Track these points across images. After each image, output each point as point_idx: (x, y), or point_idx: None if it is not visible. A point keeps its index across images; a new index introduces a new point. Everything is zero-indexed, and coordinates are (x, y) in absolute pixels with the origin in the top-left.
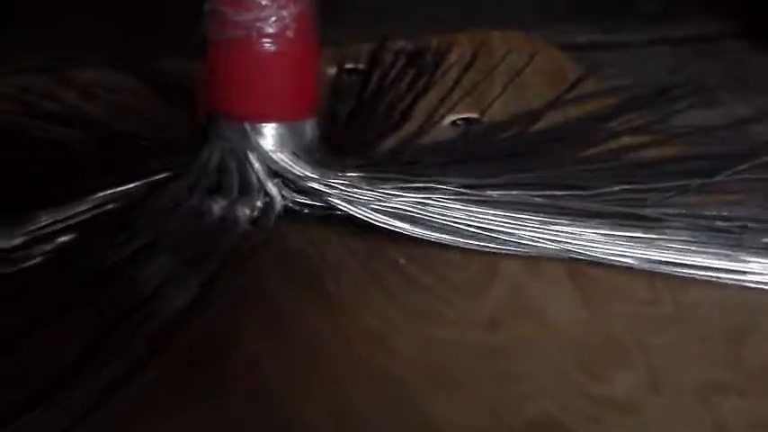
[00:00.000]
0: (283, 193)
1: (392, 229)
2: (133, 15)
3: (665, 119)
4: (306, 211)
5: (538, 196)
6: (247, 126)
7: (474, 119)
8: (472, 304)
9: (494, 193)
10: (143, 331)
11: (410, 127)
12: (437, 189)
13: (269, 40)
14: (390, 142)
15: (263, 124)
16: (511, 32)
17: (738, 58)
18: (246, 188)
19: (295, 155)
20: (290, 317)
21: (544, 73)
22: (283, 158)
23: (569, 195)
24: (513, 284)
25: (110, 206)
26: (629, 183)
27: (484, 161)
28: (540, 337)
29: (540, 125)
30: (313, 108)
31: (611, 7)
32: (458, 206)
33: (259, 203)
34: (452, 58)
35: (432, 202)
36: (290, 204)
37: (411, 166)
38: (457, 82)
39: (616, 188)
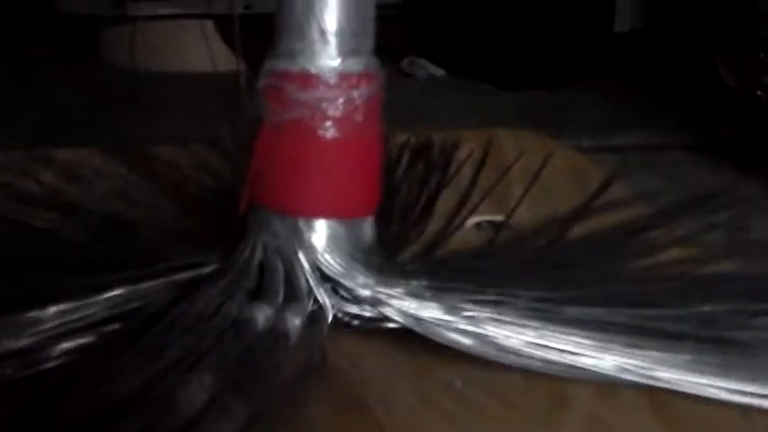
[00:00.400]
0: (332, 301)
1: (453, 346)
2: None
3: (708, 230)
4: (355, 323)
5: (619, 315)
6: (300, 221)
7: (500, 222)
8: None
9: (571, 310)
10: None
11: (432, 228)
12: (509, 303)
13: (334, 125)
14: (416, 246)
15: (318, 220)
16: (518, 131)
17: (681, 168)
18: (294, 294)
19: (351, 258)
20: None
21: (565, 173)
22: (339, 261)
23: (652, 316)
24: (588, 416)
25: (131, 305)
26: (708, 302)
27: (536, 272)
28: None
29: (576, 232)
30: (374, 205)
31: (555, 115)
32: (531, 323)
33: (307, 312)
34: (461, 154)
35: (503, 318)
36: (339, 315)
37: (473, 274)
38: (473, 181)
39: (705, 308)
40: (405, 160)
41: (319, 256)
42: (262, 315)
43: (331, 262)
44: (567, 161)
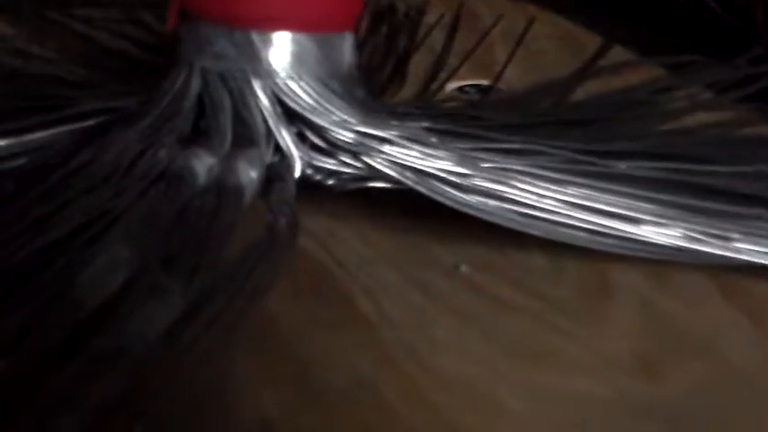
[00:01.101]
0: (300, 149)
1: (467, 211)
2: None
3: (734, 92)
4: (330, 182)
5: (677, 172)
6: (254, 35)
7: (486, 86)
8: (598, 335)
9: (621, 165)
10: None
11: (406, 93)
12: (541, 153)
13: None
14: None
15: (278, 33)
16: None
17: None
18: (246, 137)
19: (325, 87)
20: (319, 360)
21: (554, 38)
22: (308, 90)
23: (716, 173)
24: (642, 305)
25: (15, 161)
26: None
27: (555, 126)
28: (726, 384)
29: (579, 95)
30: (355, 17)
31: None
32: (573, 179)
33: (266, 162)
34: (429, 19)
35: (535, 171)
36: (308, 170)
37: (483, 122)
38: (447, 45)
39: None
40: (363, 25)
41: (281, 84)
42: (201, 165)
43: (298, 92)
44: (555, 26)
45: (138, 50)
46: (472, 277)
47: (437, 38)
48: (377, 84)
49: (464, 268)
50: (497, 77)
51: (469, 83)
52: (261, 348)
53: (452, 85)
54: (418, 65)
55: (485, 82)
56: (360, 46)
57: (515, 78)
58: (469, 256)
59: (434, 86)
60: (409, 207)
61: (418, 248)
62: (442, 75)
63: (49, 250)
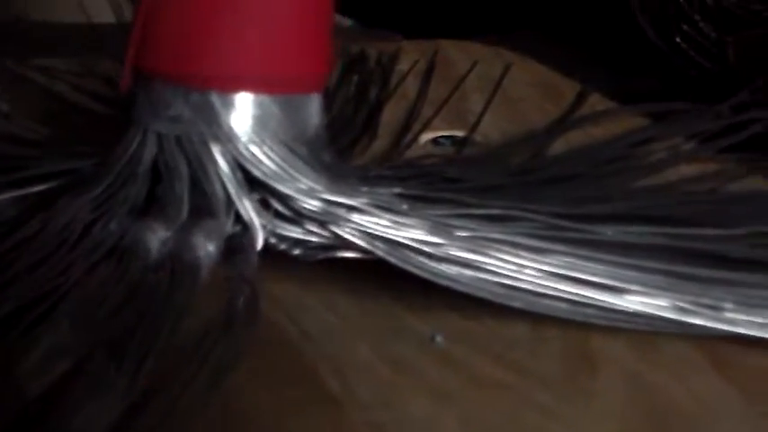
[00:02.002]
0: (262, 218)
1: (441, 283)
2: None
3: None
4: (296, 251)
5: (663, 236)
6: (213, 96)
7: (461, 137)
8: (582, 414)
9: (606, 230)
10: None
11: (378, 145)
12: (520, 220)
13: None
14: (361, 162)
15: (240, 94)
16: (466, 41)
17: None
18: (205, 208)
19: (290, 152)
20: None
21: (532, 85)
22: (272, 156)
23: (704, 237)
24: (628, 378)
25: None
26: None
27: (533, 185)
28: None
29: (559, 146)
30: (324, 77)
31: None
32: (555, 247)
33: (226, 234)
34: (402, 66)
35: (515, 240)
36: (272, 239)
37: (458, 184)
38: (421, 94)
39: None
40: (335, 73)
41: (243, 149)
42: (155, 239)
43: (260, 157)
44: (531, 72)
45: (97, 105)
46: (448, 350)
47: (411, 85)
48: (348, 137)
49: (439, 339)
50: (473, 128)
51: (444, 134)
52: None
53: (427, 137)
54: (391, 114)
55: (459, 133)
56: (330, 95)
57: (491, 128)
58: (445, 325)
59: (408, 138)
60: (381, 271)
61: (390, 317)
62: (416, 126)
63: None
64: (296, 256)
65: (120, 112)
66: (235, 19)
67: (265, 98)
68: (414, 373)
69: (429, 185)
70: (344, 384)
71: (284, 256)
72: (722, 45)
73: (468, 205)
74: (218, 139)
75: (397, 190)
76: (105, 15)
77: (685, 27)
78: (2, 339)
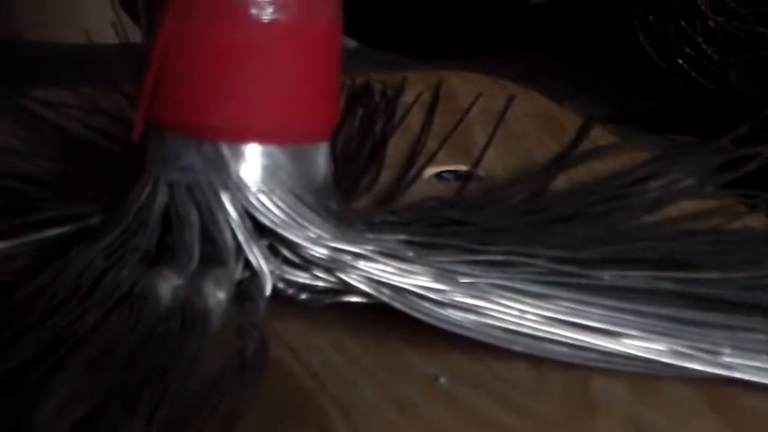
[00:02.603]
0: (271, 265)
1: (446, 327)
2: None
3: (720, 178)
4: (303, 296)
5: (664, 280)
6: (223, 147)
7: (465, 172)
8: None
9: (606, 275)
10: None
11: (383, 180)
12: (523, 265)
13: (269, 7)
14: (367, 199)
15: (249, 145)
16: (470, 73)
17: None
18: (215, 255)
19: (298, 201)
20: None
21: (534, 117)
22: (281, 205)
23: (703, 281)
24: (627, 421)
25: None
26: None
27: (536, 226)
28: None
29: (562, 183)
30: (331, 126)
31: None
32: (556, 293)
33: (236, 280)
34: (407, 98)
35: (517, 286)
36: (280, 284)
37: (461, 228)
38: (425, 127)
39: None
40: (340, 105)
41: (252, 198)
42: (167, 286)
43: (269, 206)
44: (533, 105)
45: (107, 143)
46: (452, 391)
47: (415, 117)
48: (353, 172)
49: (443, 380)
50: (476, 163)
51: (448, 168)
52: None
53: (431, 171)
54: (396, 147)
55: (463, 167)
56: (335, 129)
57: (494, 162)
58: (449, 366)
59: (412, 173)
60: (387, 314)
61: (395, 358)
62: (420, 160)
63: (6, 381)
64: (303, 301)
65: (128, 152)
66: (244, 73)
67: (274, 149)
68: (418, 414)
69: (433, 230)
70: (351, 426)
71: (292, 300)
72: (725, 67)
73: (472, 251)
74: (228, 189)
75: (402, 237)
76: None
77: (687, 49)
78: (17, 388)
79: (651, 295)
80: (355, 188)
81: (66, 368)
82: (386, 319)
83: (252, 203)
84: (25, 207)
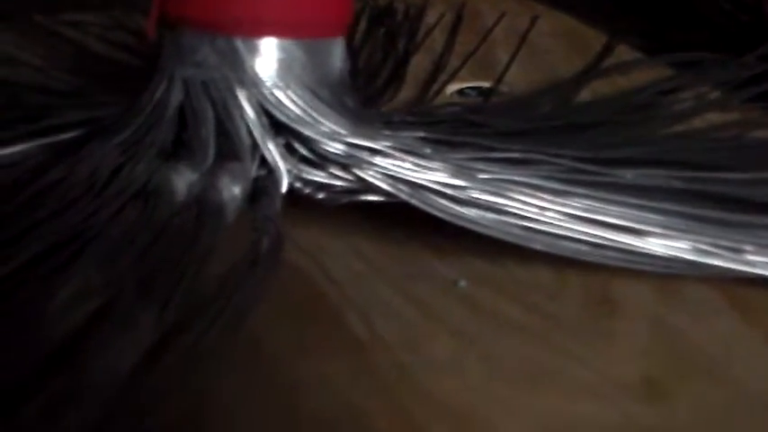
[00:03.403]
0: (287, 162)
1: (463, 225)
2: None
3: (742, 92)
4: (320, 195)
5: (686, 180)
6: (238, 42)
7: (488, 88)
8: (604, 356)
9: (628, 173)
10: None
11: (404, 95)
12: (542, 163)
13: None
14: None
15: (264, 39)
16: None
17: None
18: (230, 151)
19: (314, 96)
20: (308, 388)
21: (559, 36)
22: (297, 100)
23: (726, 180)
24: (650, 321)
25: None
26: None
27: (558, 131)
28: (738, 407)
29: (585, 96)
30: (346, 21)
31: None
32: (576, 190)
33: (251, 177)
34: (430, 19)
35: (535, 182)
36: (297, 184)
37: (481, 129)
38: (448, 46)
39: None
40: (362, 26)
41: (267, 94)
42: (182, 181)
43: (285, 102)
44: (558, 23)
45: (126, 56)
46: (471, 293)
47: (438, 38)
48: (375, 87)
49: (462, 283)
50: (499, 79)
51: (470, 85)
52: (245, 374)
53: (453, 87)
54: (418, 66)
55: (486, 84)
56: (358, 47)
57: (518, 79)
58: (468, 270)
59: (434, 89)
60: (405, 217)
61: (414, 262)
62: (442, 76)
63: (17, 275)
64: (320, 200)
65: (147, 61)
66: None
67: (289, 43)
68: (437, 316)
69: (452, 130)
70: (369, 326)
71: (309, 201)
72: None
73: (491, 149)
74: (243, 84)
75: (421, 134)
76: None
77: None
78: (31, 280)
79: (674, 194)
80: (376, 102)
81: (80, 260)
82: (406, 224)
83: (267, 99)
84: (43, 114)
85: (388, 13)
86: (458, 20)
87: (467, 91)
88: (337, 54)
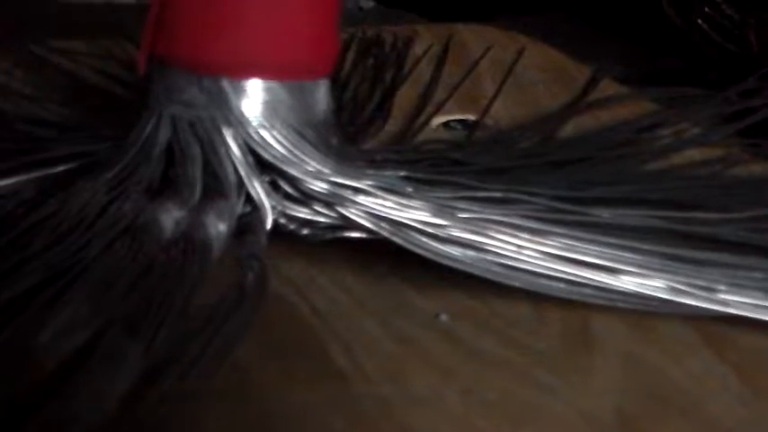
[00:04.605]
0: (272, 199)
1: (443, 262)
2: None
3: (724, 128)
4: (304, 231)
5: (662, 219)
6: (224, 83)
7: (473, 121)
8: (581, 392)
9: (604, 213)
10: None
11: (391, 127)
12: (521, 202)
13: None
14: (373, 144)
15: (251, 80)
16: (481, 26)
17: None
18: (216, 189)
19: (299, 136)
20: (292, 418)
21: (544, 70)
22: (281, 140)
23: (702, 220)
24: (624, 357)
25: None
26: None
27: (538, 169)
28: None
29: (570, 131)
30: (332, 61)
31: None
32: (554, 229)
33: (237, 214)
34: (417, 50)
35: (514, 222)
36: (281, 220)
37: (463, 167)
38: (435, 77)
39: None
40: (351, 56)
41: (253, 133)
42: (169, 219)
43: (270, 141)
44: (544, 56)
45: (116, 87)
46: (452, 327)
47: (425, 69)
48: (362, 119)
49: (443, 317)
50: (484, 112)
51: (456, 117)
52: (232, 403)
53: (438, 120)
54: (405, 97)
55: (471, 117)
56: (345, 78)
57: (502, 112)
58: (449, 304)
59: (420, 122)
60: (387, 252)
61: (397, 296)
62: (429, 109)
63: (9, 308)
64: (304, 236)
65: (136, 94)
66: (245, 9)
67: (275, 84)
68: (418, 349)
69: (434, 169)
70: (351, 359)
71: (293, 236)
72: (744, 27)
73: (471, 188)
74: (229, 124)
75: (403, 173)
76: None
77: (706, 8)
78: (20, 314)
79: (650, 233)
80: (362, 135)
81: (69, 294)
82: (388, 259)
83: (253, 138)
84: (34, 147)
85: (376, 44)
86: (444, 51)
87: (452, 124)
88: (322, 94)
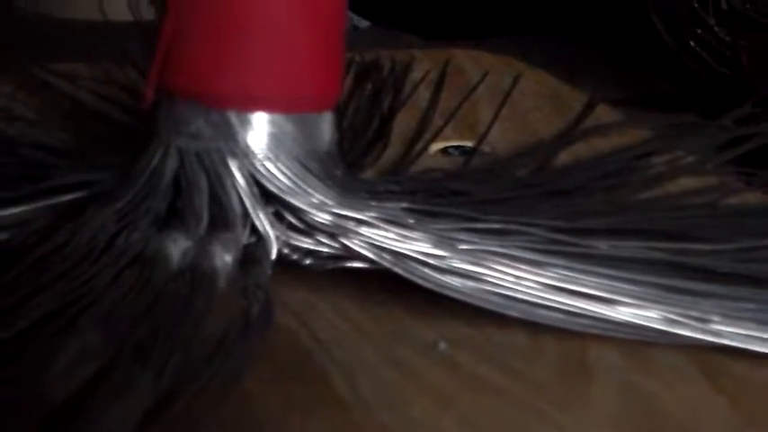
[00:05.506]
0: (276, 230)
1: (443, 293)
2: None
3: (720, 157)
4: (307, 261)
5: (657, 250)
6: (231, 115)
7: (471, 148)
8: (577, 421)
9: (601, 244)
10: None
11: (389, 154)
12: (520, 234)
13: None
14: (373, 172)
15: (256, 113)
16: (478, 51)
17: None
18: (222, 219)
19: (304, 168)
20: None
21: (539, 95)
22: (286, 172)
23: (696, 251)
24: (620, 386)
25: None
26: (755, 237)
27: (535, 198)
28: None
29: (565, 158)
30: (336, 95)
31: None
32: (551, 260)
33: (242, 245)
34: (415, 75)
35: (513, 253)
36: (285, 250)
37: (462, 198)
38: (432, 103)
39: (757, 243)
40: (349, 81)
41: (258, 165)
42: (176, 249)
43: (275, 173)
44: (540, 83)
45: (121, 114)
46: (450, 355)
47: (423, 94)
48: (360, 146)
49: (442, 345)
50: (481, 139)
51: (454, 144)
52: (235, 430)
53: (437, 146)
54: (403, 123)
55: (469, 143)
56: (344, 104)
57: (499, 139)
58: (448, 332)
59: (418, 148)
60: (388, 280)
61: (396, 323)
62: (426, 135)
63: (20, 338)
64: (307, 265)
65: (140, 122)
66: (252, 43)
67: (280, 117)
68: (417, 377)
69: (434, 199)
70: (351, 386)
71: (297, 265)
72: (736, 49)
73: (471, 219)
74: (235, 156)
75: (404, 204)
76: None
77: (699, 30)
78: (31, 345)
79: (645, 265)
80: (361, 162)
81: (79, 325)
82: (388, 288)
83: (258, 170)
84: (41, 174)
85: (374, 69)
86: (442, 77)
87: (450, 150)
88: (326, 127)
